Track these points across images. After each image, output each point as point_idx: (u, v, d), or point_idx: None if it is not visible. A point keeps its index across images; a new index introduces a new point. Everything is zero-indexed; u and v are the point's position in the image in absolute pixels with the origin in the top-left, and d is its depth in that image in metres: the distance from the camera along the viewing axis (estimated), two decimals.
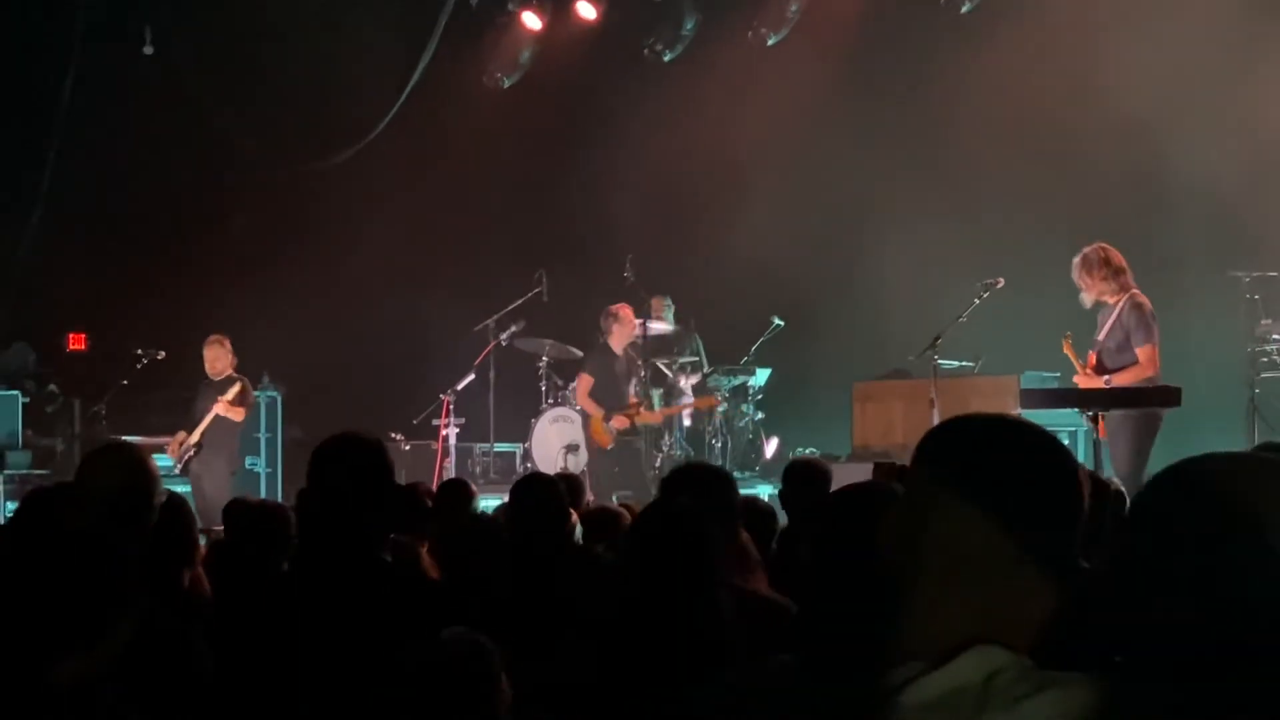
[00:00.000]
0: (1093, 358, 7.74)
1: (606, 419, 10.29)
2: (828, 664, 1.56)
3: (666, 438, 10.95)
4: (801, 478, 5.21)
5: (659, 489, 3.87)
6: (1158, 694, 1.39)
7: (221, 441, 10.34)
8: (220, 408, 10.23)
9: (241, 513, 4.65)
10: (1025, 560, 1.47)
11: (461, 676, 2.39)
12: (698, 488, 3.65)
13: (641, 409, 10.35)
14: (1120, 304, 7.68)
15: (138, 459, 3.53)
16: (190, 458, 10.26)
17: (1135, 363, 7.62)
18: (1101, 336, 7.71)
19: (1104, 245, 7.82)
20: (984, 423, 1.60)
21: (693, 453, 10.91)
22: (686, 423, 11.18)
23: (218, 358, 10.45)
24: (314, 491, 3.22)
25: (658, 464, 10.70)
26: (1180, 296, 10.11)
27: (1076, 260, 7.79)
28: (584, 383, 10.46)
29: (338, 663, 2.93)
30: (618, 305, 10.42)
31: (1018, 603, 1.46)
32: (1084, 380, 7.72)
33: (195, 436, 10.26)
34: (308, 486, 3.23)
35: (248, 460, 11.25)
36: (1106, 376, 7.64)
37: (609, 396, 10.35)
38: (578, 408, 10.64)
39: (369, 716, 2.73)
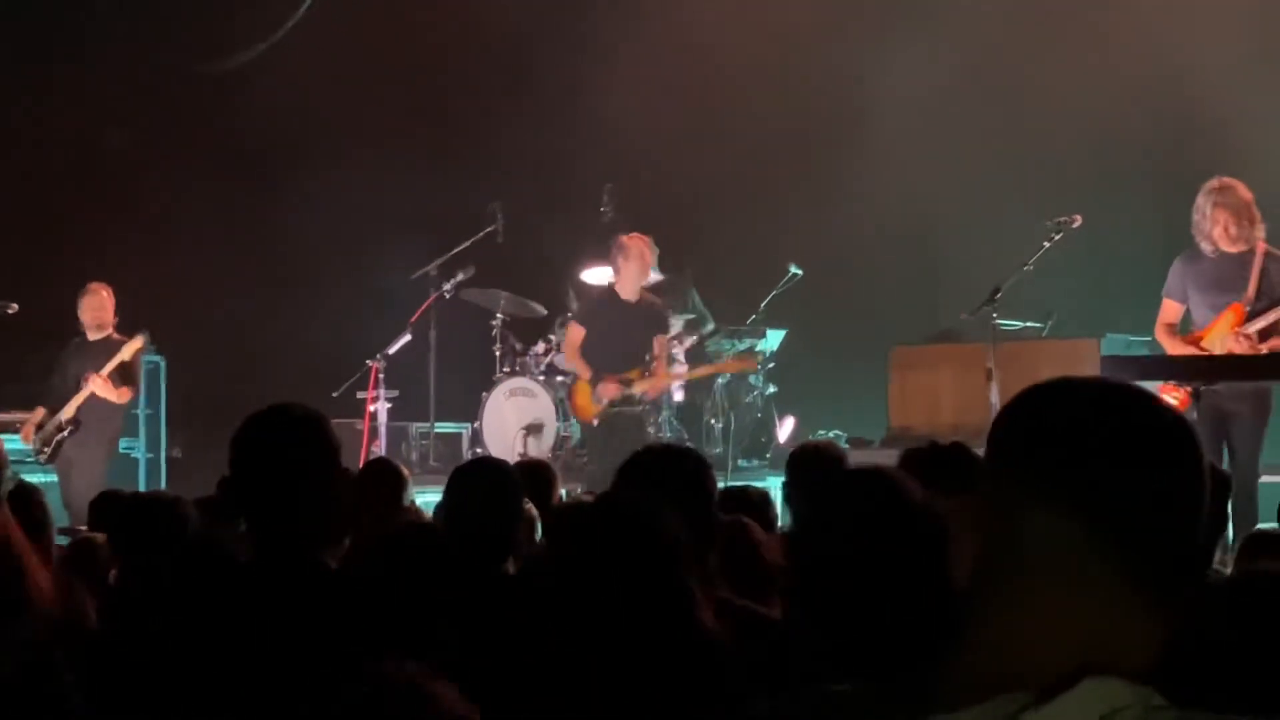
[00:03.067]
0: (1240, 313, 7.64)
1: (594, 381, 9.73)
2: (898, 694, 1.56)
3: (655, 416, 10.61)
4: (809, 467, 5.21)
5: (615, 479, 3.76)
6: None
7: (103, 418, 10.08)
8: (101, 385, 9.87)
9: (111, 508, 4.86)
10: (1131, 573, 1.44)
11: None
12: (659, 475, 3.59)
13: (641, 372, 9.82)
14: (1259, 255, 7.71)
15: None
16: (63, 439, 10.00)
17: None
18: (1252, 293, 7.68)
19: (1234, 181, 7.79)
20: (1081, 393, 1.52)
21: (686, 435, 10.64)
22: (679, 397, 10.98)
23: (101, 307, 10.18)
24: (239, 481, 3.26)
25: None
26: None
27: (1216, 200, 7.71)
28: (574, 333, 9.97)
29: (259, 692, 2.93)
30: (629, 235, 9.84)
31: (1122, 624, 1.44)
32: (1242, 344, 7.64)
33: (70, 411, 9.95)
34: (231, 475, 3.27)
35: (122, 443, 10.95)
36: (1266, 345, 7.62)
37: (609, 357, 9.78)
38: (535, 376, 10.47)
39: None
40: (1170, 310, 7.96)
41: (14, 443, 9.99)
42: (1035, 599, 1.46)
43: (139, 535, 4.51)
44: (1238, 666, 2.22)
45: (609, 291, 9.92)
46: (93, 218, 12.21)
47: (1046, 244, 8.66)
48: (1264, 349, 7.60)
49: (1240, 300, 7.69)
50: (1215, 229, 7.71)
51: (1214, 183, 7.78)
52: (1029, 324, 10.15)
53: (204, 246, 12.21)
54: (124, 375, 10.05)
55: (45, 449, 9.99)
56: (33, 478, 7.64)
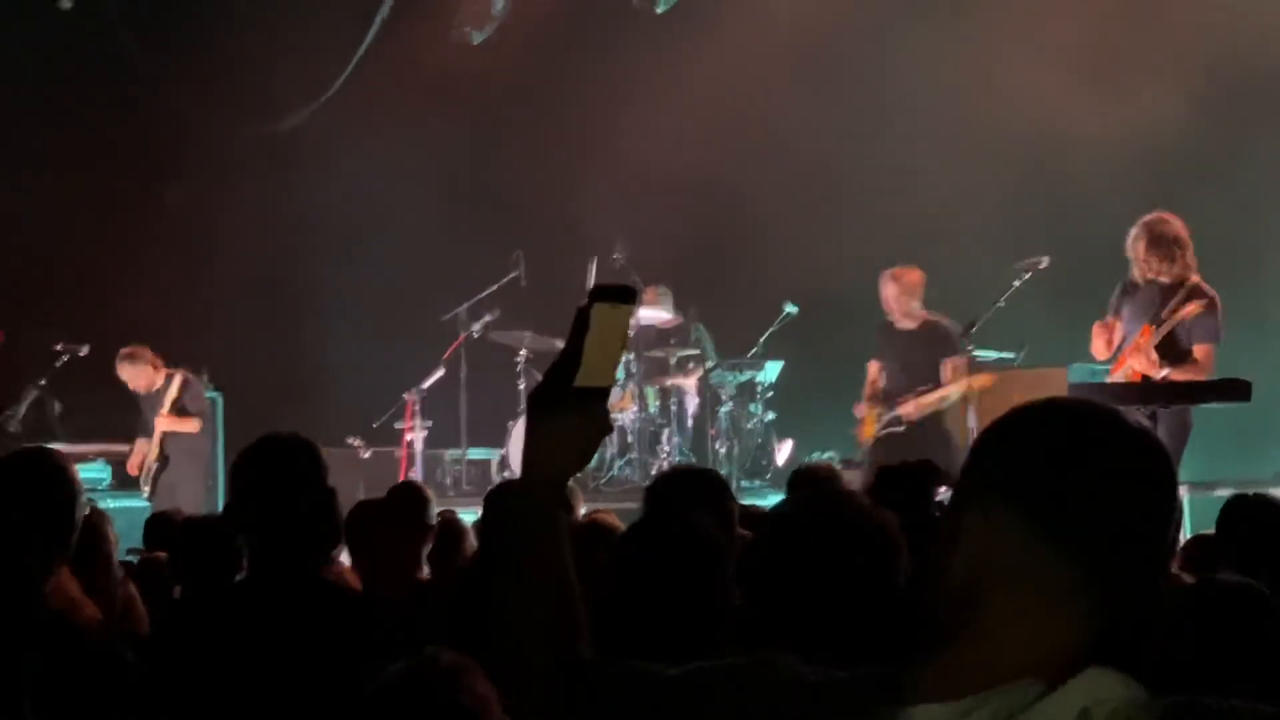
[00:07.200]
0: (1147, 332, 7.57)
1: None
2: (887, 683, 1.53)
3: (665, 441, 10.98)
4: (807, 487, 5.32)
5: (644, 500, 3.99)
6: None
7: (188, 447, 10.47)
8: (167, 423, 10.29)
9: (160, 530, 4.96)
10: (1092, 577, 1.46)
11: (444, 702, 2.23)
12: (689, 495, 3.79)
13: (920, 395, 9.40)
14: (1184, 288, 7.59)
15: (58, 466, 3.53)
16: (154, 472, 10.39)
17: (1192, 361, 7.52)
18: (1165, 316, 7.57)
19: (1168, 216, 7.77)
20: (1055, 414, 1.54)
21: (694, 458, 10.92)
22: (689, 424, 11.22)
23: (137, 376, 10.48)
24: (239, 506, 3.31)
25: (653, 471, 10.72)
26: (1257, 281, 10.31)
27: (1139, 232, 7.72)
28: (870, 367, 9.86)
29: (284, 695, 2.99)
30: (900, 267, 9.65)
31: (1084, 625, 1.47)
32: (1141, 362, 7.50)
33: (154, 453, 10.38)
34: (231, 500, 3.33)
35: None
36: (1166, 371, 7.50)
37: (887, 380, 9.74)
38: None
39: None
40: (1111, 327, 7.88)
41: (88, 471, 10.32)
42: (1013, 601, 1.47)
43: (190, 556, 4.56)
44: (1196, 662, 2.36)
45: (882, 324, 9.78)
46: (158, 266, 12.31)
47: (1017, 283, 8.78)
48: (1158, 370, 7.44)
49: (1151, 323, 7.58)
50: (1136, 258, 7.71)
51: (1148, 216, 7.76)
52: (1003, 354, 9.95)
53: (257, 294, 12.40)
54: (179, 410, 10.40)
55: (149, 485, 10.42)
56: (105, 503, 8.17)
